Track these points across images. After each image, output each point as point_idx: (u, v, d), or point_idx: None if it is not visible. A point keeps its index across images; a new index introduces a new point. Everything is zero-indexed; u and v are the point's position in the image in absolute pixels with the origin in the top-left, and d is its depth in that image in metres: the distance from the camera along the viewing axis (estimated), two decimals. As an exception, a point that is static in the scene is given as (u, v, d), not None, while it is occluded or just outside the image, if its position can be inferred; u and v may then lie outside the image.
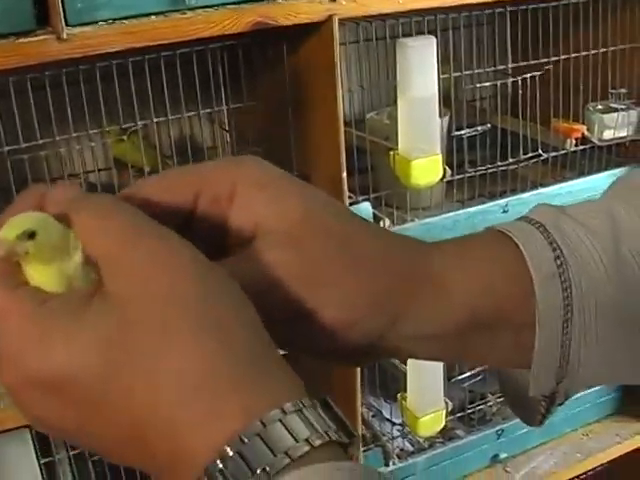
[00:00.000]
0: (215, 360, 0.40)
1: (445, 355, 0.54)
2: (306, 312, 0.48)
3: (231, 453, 0.38)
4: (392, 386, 1.73)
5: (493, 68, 1.66)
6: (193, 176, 0.50)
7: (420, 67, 1.47)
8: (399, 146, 1.53)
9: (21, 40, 1.25)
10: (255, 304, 0.43)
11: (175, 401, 0.40)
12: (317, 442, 0.39)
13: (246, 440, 0.38)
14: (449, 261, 0.51)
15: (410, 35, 1.51)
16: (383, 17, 1.48)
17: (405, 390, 1.68)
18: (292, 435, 0.39)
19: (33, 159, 1.35)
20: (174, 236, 0.44)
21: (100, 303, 0.42)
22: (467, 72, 1.59)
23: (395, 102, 1.57)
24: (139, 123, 1.39)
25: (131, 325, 0.40)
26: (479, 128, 1.60)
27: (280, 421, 0.39)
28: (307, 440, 0.39)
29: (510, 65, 1.68)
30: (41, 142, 1.35)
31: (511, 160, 1.66)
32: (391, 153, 1.55)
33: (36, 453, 1.45)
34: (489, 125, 1.62)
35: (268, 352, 0.42)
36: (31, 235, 0.44)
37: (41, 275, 0.44)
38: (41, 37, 1.25)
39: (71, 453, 1.53)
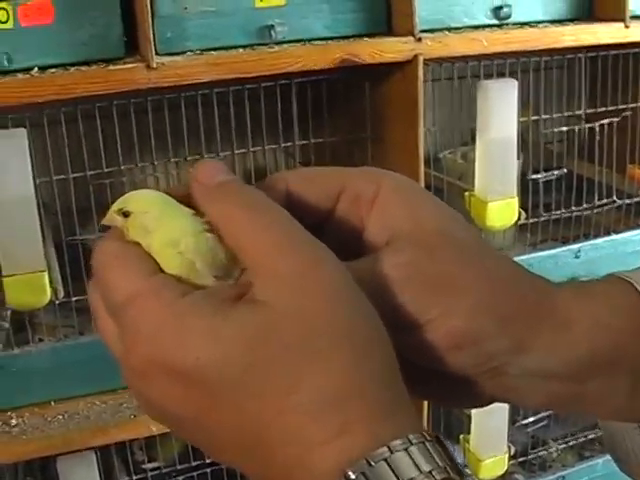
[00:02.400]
0: (352, 381, 0.40)
1: (561, 400, 0.51)
2: (429, 319, 0.46)
3: (353, 476, 0.38)
4: (456, 428, 1.70)
5: (570, 113, 1.63)
6: (339, 173, 0.50)
7: (500, 109, 1.45)
8: (475, 187, 1.50)
9: (110, 67, 1.25)
10: (378, 307, 0.43)
11: (307, 413, 0.39)
12: (438, 477, 0.39)
13: (373, 463, 0.38)
14: (570, 298, 0.50)
15: (490, 76, 1.50)
16: (466, 59, 1.46)
17: (468, 432, 1.64)
18: (416, 465, 0.39)
19: (114, 184, 1.35)
20: (325, 250, 0.43)
21: (247, 305, 0.41)
22: (545, 116, 1.56)
23: (470, 142, 1.56)
24: (220, 154, 1.38)
25: (277, 332, 0.40)
26: (555, 172, 1.57)
27: (405, 450, 0.39)
28: (430, 473, 0.39)
29: (587, 110, 1.65)
30: (123, 167, 1.35)
31: (585, 206, 1.63)
32: (466, 194, 1.53)
33: (100, 476, 1.44)
34: (565, 170, 1.59)
35: (397, 379, 0.42)
36: (125, 214, 0.46)
37: (158, 256, 0.45)
38: (130, 65, 1.25)
39: (134, 478, 1.52)
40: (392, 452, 0.39)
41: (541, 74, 1.56)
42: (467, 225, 0.50)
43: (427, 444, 0.40)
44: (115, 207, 0.46)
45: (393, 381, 0.42)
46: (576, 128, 1.60)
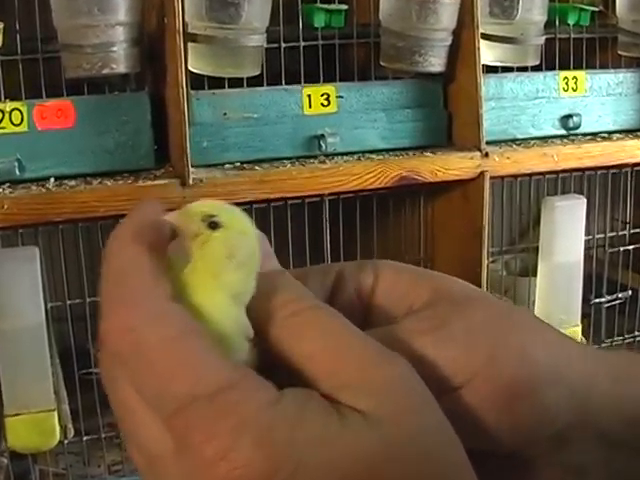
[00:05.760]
0: None
1: None
2: (471, 375, 0.38)
3: None
4: None
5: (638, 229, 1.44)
6: (332, 268, 0.43)
7: (567, 230, 1.26)
8: (536, 313, 1.30)
9: (140, 183, 1.05)
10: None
11: None
12: None
13: None
14: (626, 357, 0.44)
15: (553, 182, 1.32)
16: (532, 174, 1.27)
17: None
18: None
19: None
20: (402, 361, 0.35)
21: (358, 416, 0.33)
22: (611, 234, 1.38)
23: (512, 251, 1.44)
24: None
25: (397, 457, 0.33)
26: (620, 295, 1.38)
27: None
28: None
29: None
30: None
31: (648, 330, 1.43)
32: (522, 318, 1.33)
33: None
34: (629, 292, 1.40)
35: None
36: (213, 225, 0.34)
37: (205, 291, 0.34)
38: (162, 181, 1.05)
39: None
40: None
41: (608, 187, 1.37)
42: (486, 292, 0.47)
43: None
44: (201, 209, 0.35)
45: None
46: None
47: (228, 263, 0.34)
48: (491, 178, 1.17)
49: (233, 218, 0.35)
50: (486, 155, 1.16)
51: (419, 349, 0.38)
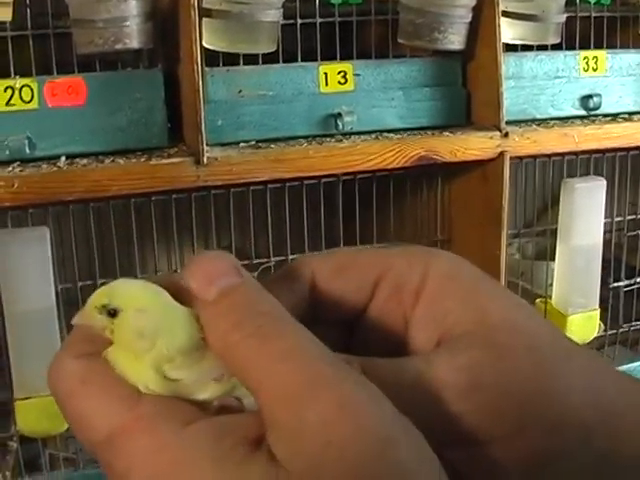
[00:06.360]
0: None
1: None
2: (496, 437, 0.35)
3: None
4: None
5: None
6: (377, 257, 0.40)
7: (586, 213, 1.24)
8: (554, 297, 1.28)
9: (153, 162, 1.02)
10: (426, 420, 0.33)
11: None
12: None
13: None
14: None
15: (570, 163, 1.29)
16: (551, 155, 1.24)
17: None
18: None
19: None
20: (358, 380, 0.32)
21: (264, 465, 0.31)
22: (630, 217, 1.35)
23: (529, 233, 1.41)
24: (272, 259, 1.14)
25: None
26: (638, 279, 1.35)
27: None
28: None
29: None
30: (159, 273, 1.13)
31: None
32: (538, 301, 1.31)
33: None
34: (648, 275, 1.37)
35: None
36: (112, 312, 0.34)
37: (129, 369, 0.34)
38: (176, 159, 1.02)
39: None
40: None
41: (627, 169, 1.34)
42: (537, 315, 0.40)
43: None
44: (95, 301, 0.34)
45: None
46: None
47: (142, 343, 0.34)
48: (510, 159, 1.14)
49: (127, 297, 0.34)
50: (506, 135, 1.13)
51: (445, 403, 0.35)
